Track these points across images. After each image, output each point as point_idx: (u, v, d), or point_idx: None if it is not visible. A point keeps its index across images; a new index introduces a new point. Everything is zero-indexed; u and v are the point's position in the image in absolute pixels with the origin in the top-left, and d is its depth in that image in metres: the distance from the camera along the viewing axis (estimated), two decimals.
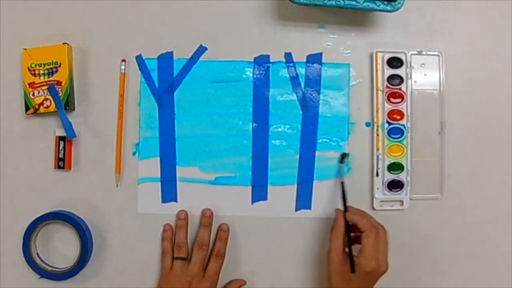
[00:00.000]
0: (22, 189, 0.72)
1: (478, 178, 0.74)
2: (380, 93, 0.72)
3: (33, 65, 0.70)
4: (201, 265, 0.69)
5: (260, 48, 0.73)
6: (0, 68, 0.72)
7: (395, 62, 0.72)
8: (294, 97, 0.73)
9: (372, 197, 0.72)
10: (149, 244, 0.72)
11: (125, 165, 0.72)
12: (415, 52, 0.73)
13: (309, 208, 0.72)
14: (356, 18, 0.73)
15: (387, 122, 0.72)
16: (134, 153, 0.72)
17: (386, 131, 0.72)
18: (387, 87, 0.72)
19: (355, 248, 0.65)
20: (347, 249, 0.66)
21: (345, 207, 0.68)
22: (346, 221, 0.67)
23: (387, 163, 0.72)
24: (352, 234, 0.66)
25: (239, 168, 0.72)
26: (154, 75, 0.72)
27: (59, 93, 0.70)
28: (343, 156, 0.71)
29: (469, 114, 0.74)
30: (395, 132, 0.72)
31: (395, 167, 0.72)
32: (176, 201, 0.72)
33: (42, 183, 0.72)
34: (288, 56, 0.73)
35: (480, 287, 0.73)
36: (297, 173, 0.72)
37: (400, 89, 0.72)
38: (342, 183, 0.70)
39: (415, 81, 0.73)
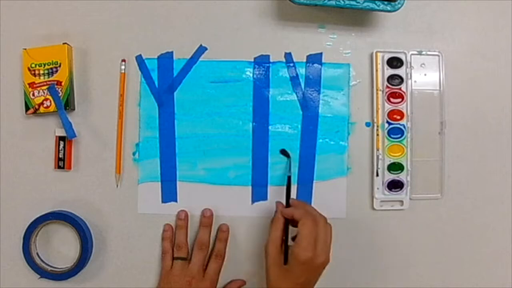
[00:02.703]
0: (22, 189, 0.72)
1: (478, 178, 0.74)
2: (380, 93, 0.72)
3: (33, 65, 0.70)
4: (201, 265, 0.69)
5: (260, 48, 0.73)
6: (0, 68, 0.72)
7: (395, 62, 0.72)
8: (294, 97, 0.73)
9: (372, 197, 0.73)
10: (149, 244, 0.72)
11: (125, 165, 0.72)
12: (415, 52, 0.73)
13: None
14: (356, 18, 0.73)
15: (387, 122, 0.72)
16: (134, 153, 0.72)
17: (386, 131, 0.72)
18: (387, 87, 0.72)
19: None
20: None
21: (288, 201, 0.68)
22: None
23: (387, 163, 0.72)
24: (292, 228, 0.65)
25: (239, 168, 0.72)
26: (154, 75, 0.72)
27: (59, 93, 0.70)
28: (284, 152, 0.71)
29: (469, 114, 0.74)
30: (395, 132, 0.72)
31: (395, 167, 0.72)
32: (176, 201, 0.72)
33: (42, 183, 0.72)
34: (288, 56, 0.73)
35: (480, 287, 0.73)
36: (297, 173, 0.72)
37: (400, 89, 0.72)
38: (289, 177, 0.69)
39: (415, 81, 0.73)
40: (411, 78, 0.73)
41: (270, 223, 0.68)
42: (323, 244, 0.62)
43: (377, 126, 0.72)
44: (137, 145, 0.72)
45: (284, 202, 0.68)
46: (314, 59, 0.73)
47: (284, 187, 0.68)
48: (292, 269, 0.62)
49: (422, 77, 0.73)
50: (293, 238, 0.64)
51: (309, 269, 0.61)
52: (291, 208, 0.66)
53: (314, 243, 0.61)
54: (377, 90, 0.72)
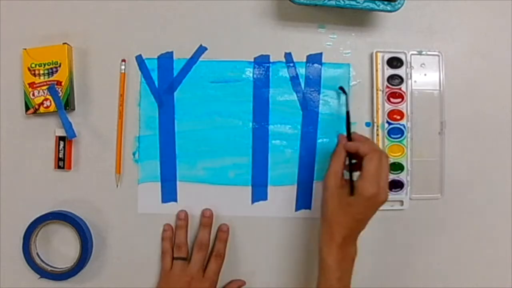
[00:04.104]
0: (22, 189, 0.72)
1: (478, 178, 0.74)
2: (380, 93, 0.72)
3: (33, 65, 0.70)
4: (201, 265, 0.69)
5: (260, 48, 0.73)
6: (0, 68, 0.72)
7: (395, 62, 0.72)
8: (294, 97, 0.73)
9: None
10: (149, 244, 0.72)
11: (125, 165, 0.72)
12: (415, 52, 0.73)
13: (309, 208, 0.72)
14: (356, 18, 0.73)
15: (387, 122, 0.72)
16: (134, 153, 0.72)
17: (386, 131, 0.72)
18: (387, 87, 0.72)
19: (355, 175, 0.63)
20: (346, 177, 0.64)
21: (349, 135, 0.67)
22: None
23: None
24: (353, 161, 0.64)
25: (239, 168, 0.72)
26: (154, 75, 0.72)
27: (59, 93, 0.70)
28: (342, 89, 0.71)
29: (469, 114, 0.74)
30: (395, 132, 0.72)
31: (395, 167, 0.72)
32: (176, 201, 0.72)
33: (42, 183, 0.72)
34: (288, 56, 0.73)
35: (480, 287, 0.73)
36: (297, 173, 0.72)
37: (400, 89, 0.72)
38: (348, 113, 0.68)
39: (415, 81, 0.73)
40: (411, 78, 0.73)
41: (331, 157, 0.65)
42: (385, 181, 0.61)
43: (377, 126, 0.72)
44: (137, 145, 0.72)
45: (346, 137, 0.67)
46: (314, 59, 0.73)
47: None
48: (355, 203, 0.61)
49: (422, 77, 0.73)
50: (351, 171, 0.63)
51: (370, 205, 0.61)
52: (356, 142, 0.65)
53: (378, 179, 0.60)
54: (377, 90, 0.72)
